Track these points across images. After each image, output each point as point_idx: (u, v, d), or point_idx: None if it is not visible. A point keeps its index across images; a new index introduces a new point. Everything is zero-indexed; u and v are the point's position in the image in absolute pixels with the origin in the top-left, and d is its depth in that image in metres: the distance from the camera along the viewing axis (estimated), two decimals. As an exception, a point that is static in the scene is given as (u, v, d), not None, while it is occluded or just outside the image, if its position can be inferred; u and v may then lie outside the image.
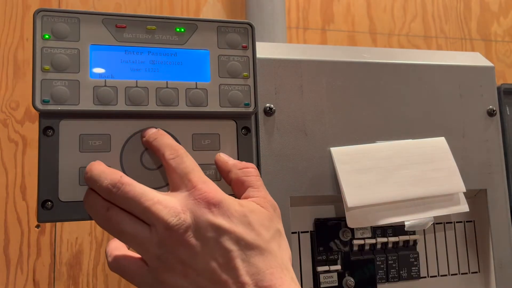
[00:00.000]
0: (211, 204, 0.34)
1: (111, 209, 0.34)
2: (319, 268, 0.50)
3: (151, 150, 0.39)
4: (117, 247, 0.37)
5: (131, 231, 0.33)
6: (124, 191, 0.33)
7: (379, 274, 0.51)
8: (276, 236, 0.36)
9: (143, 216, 0.33)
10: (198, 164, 0.39)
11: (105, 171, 0.35)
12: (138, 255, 0.36)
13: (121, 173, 0.35)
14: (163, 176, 0.39)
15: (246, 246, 0.33)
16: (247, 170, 0.38)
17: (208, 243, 0.33)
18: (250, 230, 0.34)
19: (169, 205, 0.33)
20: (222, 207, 0.34)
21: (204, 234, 0.33)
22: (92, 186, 0.35)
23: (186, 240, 0.33)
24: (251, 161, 0.40)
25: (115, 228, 0.34)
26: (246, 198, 0.37)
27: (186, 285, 0.33)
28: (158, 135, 0.38)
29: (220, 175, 0.40)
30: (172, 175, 0.36)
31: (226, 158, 0.40)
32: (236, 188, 0.38)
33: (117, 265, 0.36)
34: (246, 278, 0.32)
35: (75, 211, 0.37)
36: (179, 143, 0.40)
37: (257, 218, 0.35)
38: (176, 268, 0.33)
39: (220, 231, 0.33)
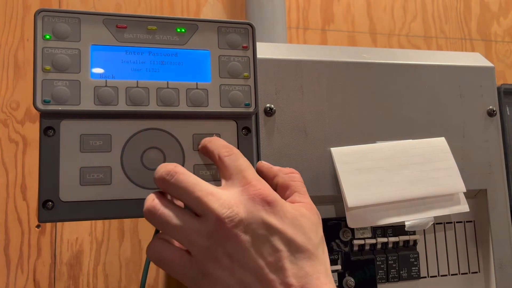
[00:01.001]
0: (266, 202, 0.34)
1: (157, 198, 0.34)
2: (319, 268, 0.50)
3: (206, 153, 0.39)
4: (159, 238, 0.36)
5: (178, 220, 0.33)
6: (178, 180, 0.34)
7: (379, 274, 0.51)
8: (322, 243, 0.36)
9: (195, 206, 0.33)
10: (199, 164, 0.39)
11: (164, 163, 0.35)
12: (181, 246, 0.35)
13: (177, 164, 0.35)
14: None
15: (296, 248, 0.33)
16: (292, 175, 0.39)
17: (258, 240, 0.33)
18: (301, 233, 0.34)
19: (222, 197, 0.33)
20: (276, 206, 0.34)
21: (256, 231, 0.33)
22: (154, 180, 0.35)
23: (236, 234, 0.32)
24: (251, 161, 0.40)
25: (161, 218, 0.34)
26: (292, 202, 0.37)
27: (230, 280, 0.32)
28: (213, 138, 0.39)
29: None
30: (225, 172, 0.36)
31: (269, 165, 0.41)
32: (281, 192, 0.38)
33: (156, 253, 0.35)
34: (292, 280, 0.32)
35: (75, 211, 0.38)
36: (179, 143, 0.41)
37: (307, 222, 0.35)
38: (222, 262, 0.32)
39: (272, 230, 0.33)
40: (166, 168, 0.35)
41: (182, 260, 0.34)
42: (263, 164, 0.41)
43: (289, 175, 0.39)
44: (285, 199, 0.37)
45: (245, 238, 0.32)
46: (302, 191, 0.38)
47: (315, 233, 0.35)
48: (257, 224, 0.33)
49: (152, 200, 0.34)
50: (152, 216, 0.34)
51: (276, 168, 0.40)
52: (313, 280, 0.32)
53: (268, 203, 0.34)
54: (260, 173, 0.40)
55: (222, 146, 0.38)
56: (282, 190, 0.38)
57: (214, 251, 0.33)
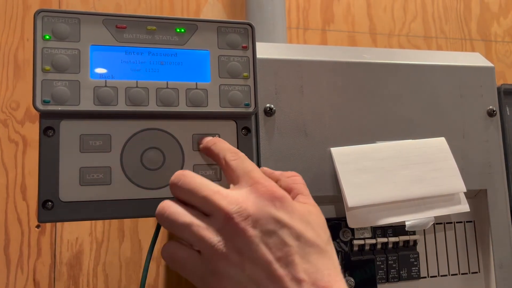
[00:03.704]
0: (275, 198, 0.34)
1: (167, 200, 0.35)
2: (319, 268, 0.50)
3: (209, 155, 0.40)
4: (173, 240, 0.37)
5: (187, 220, 0.34)
6: (185, 182, 0.34)
7: (379, 274, 0.51)
8: (330, 241, 0.36)
9: (203, 205, 0.34)
10: (199, 165, 0.39)
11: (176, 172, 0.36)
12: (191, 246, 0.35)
13: (186, 170, 0.36)
14: (164, 177, 0.39)
15: (305, 243, 0.33)
16: (295, 178, 0.39)
17: (267, 234, 0.32)
18: (310, 229, 0.34)
19: (229, 195, 0.34)
20: (285, 202, 0.34)
21: (265, 226, 0.33)
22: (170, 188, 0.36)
23: (245, 229, 0.32)
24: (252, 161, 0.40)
25: (170, 218, 0.34)
26: None
27: (240, 276, 0.32)
28: (217, 140, 0.39)
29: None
30: (232, 175, 0.37)
31: (271, 170, 0.41)
32: None
33: (169, 253, 0.36)
34: (303, 275, 0.32)
35: (75, 211, 0.38)
36: (179, 143, 0.41)
37: (315, 219, 0.35)
38: (232, 258, 0.32)
39: (281, 224, 0.33)
40: (175, 174, 0.36)
41: (192, 258, 0.34)
42: (265, 170, 0.41)
43: (291, 178, 0.39)
44: None
45: (254, 233, 0.32)
46: (305, 193, 0.38)
47: (324, 230, 0.35)
48: (266, 219, 0.33)
49: (162, 203, 0.35)
50: (161, 217, 0.35)
51: (278, 173, 0.40)
52: (325, 276, 0.32)
53: (277, 199, 0.34)
54: None
55: (228, 149, 0.38)
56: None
57: (223, 247, 0.33)
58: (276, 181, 0.39)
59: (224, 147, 0.39)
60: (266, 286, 0.32)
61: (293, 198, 0.38)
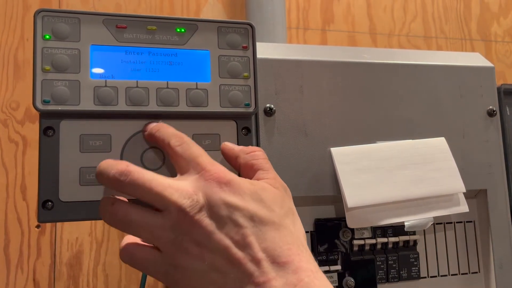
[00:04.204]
0: (222, 183, 0.33)
1: (116, 202, 0.34)
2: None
3: (155, 142, 0.39)
4: (129, 239, 0.36)
5: (140, 219, 0.33)
6: (133, 179, 0.33)
7: (379, 274, 0.51)
8: (290, 214, 0.35)
9: (155, 201, 0.33)
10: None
11: (111, 163, 0.34)
12: (150, 244, 0.35)
13: (127, 163, 0.34)
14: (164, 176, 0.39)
15: (260, 221, 0.33)
16: (254, 154, 0.38)
17: (221, 221, 0.32)
18: (263, 207, 0.34)
19: (180, 188, 0.33)
20: (233, 185, 0.34)
21: (218, 213, 0.32)
22: (101, 180, 0.35)
23: (200, 220, 0.32)
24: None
25: (123, 220, 0.34)
26: (257, 180, 0.37)
27: (202, 267, 0.32)
28: (161, 126, 0.38)
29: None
30: (179, 162, 0.36)
31: (231, 145, 0.40)
32: (245, 173, 0.38)
33: (128, 254, 0.35)
34: (261, 254, 0.32)
35: (75, 211, 0.37)
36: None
37: (269, 195, 0.35)
38: (192, 251, 0.32)
39: (232, 208, 0.33)
40: (117, 168, 0.34)
41: (153, 257, 0.34)
42: (226, 145, 0.40)
43: (251, 154, 0.38)
44: (251, 178, 0.37)
45: (209, 222, 0.32)
46: (265, 167, 0.38)
47: (279, 205, 0.35)
48: (217, 206, 0.33)
49: (111, 205, 0.34)
50: (114, 220, 0.34)
51: (238, 149, 0.39)
52: (284, 251, 0.32)
53: (225, 184, 0.33)
54: (223, 154, 0.40)
55: (172, 135, 0.37)
56: (245, 170, 0.38)
57: (181, 242, 0.33)
58: (236, 158, 0.39)
59: (169, 132, 0.37)
60: (227, 271, 0.32)
61: (254, 174, 0.37)
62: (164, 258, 0.34)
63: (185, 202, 0.32)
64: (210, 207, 0.33)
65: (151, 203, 0.34)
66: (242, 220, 0.33)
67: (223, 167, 0.35)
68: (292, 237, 0.34)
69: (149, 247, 0.35)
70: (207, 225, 0.32)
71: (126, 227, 0.34)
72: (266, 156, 0.39)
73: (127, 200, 0.35)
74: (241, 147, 0.40)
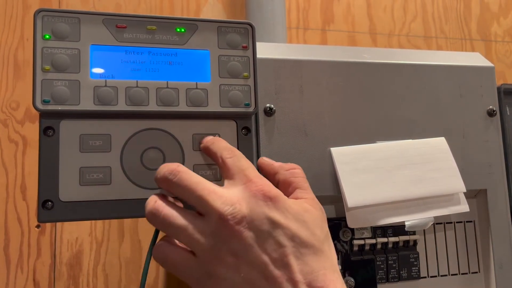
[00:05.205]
0: (267, 197, 0.33)
1: (160, 200, 0.34)
2: (319, 268, 0.49)
3: (208, 154, 0.39)
4: (166, 238, 0.36)
5: (181, 220, 0.33)
6: (181, 179, 0.34)
7: (379, 274, 0.51)
8: (328, 238, 0.35)
9: (197, 204, 0.33)
10: (199, 164, 0.39)
11: (167, 163, 0.35)
12: (186, 247, 0.35)
13: (180, 164, 0.35)
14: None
15: (300, 243, 0.33)
16: (294, 171, 0.39)
17: (262, 235, 0.32)
18: (305, 229, 0.34)
19: (224, 195, 0.33)
20: (278, 201, 0.33)
21: (259, 227, 0.32)
22: (155, 179, 0.35)
23: (240, 231, 0.32)
24: (251, 161, 0.40)
25: (164, 219, 0.33)
26: (295, 199, 0.37)
27: (236, 278, 0.32)
28: (216, 140, 0.39)
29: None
30: (227, 173, 0.36)
31: (270, 161, 0.40)
32: (283, 190, 0.38)
33: (163, 254, 0.35)
34: (299, 276, 0.32)
35: (75, 211, 0.37)
36: (179, 143, 0.41)
37: (311, 217, 0.35)
38: (227, 260, 0.32)
39: (275, 225, 0.32)
40: (169, 167, 0.35)
41: (187, 261, 0.34)
42: (264, 160, 0.41)
43: (291, 171, 0.39)
44: (288, 195, 0.37)
45: (249, 234, 0.32)
46: (304, 186, 0.38)
47: (320, 228, 0.35)
48: (260, 220, 0.32)
49: (154, 202, 0.34)
50: (155, 218, 0.34)
51: (277, 165, 0.40)
52: (320, 276, 0.32)
53: (270, 199, 0.33)
54: (261, 170, 0.40)
55: (224, 148, 0.38)
56: (284, 187, 0.38)
57: (219, 250, 0.32)
58: (275, 173, 0.39)
59: (221, 145, 0.38)
60: (262, 287, 0.32)
61: (291, 192, 0.37)
62: (199, 264, 0.33)
63: (227, 209, 0.32)
64: (252, 220, 0.32)
65: (194, 206, 0.34)
66: (282, 238, 0.32)
67: (269, 182, 0.35)
68: (328, 262, 0.33)
69: (185, 251, 0.34)
70: (247, 237, 0.32)
71: (166, 227, 0.34)
72: (304, 175, 0.39)
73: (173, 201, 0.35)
74: (280, 163, 0.40)
